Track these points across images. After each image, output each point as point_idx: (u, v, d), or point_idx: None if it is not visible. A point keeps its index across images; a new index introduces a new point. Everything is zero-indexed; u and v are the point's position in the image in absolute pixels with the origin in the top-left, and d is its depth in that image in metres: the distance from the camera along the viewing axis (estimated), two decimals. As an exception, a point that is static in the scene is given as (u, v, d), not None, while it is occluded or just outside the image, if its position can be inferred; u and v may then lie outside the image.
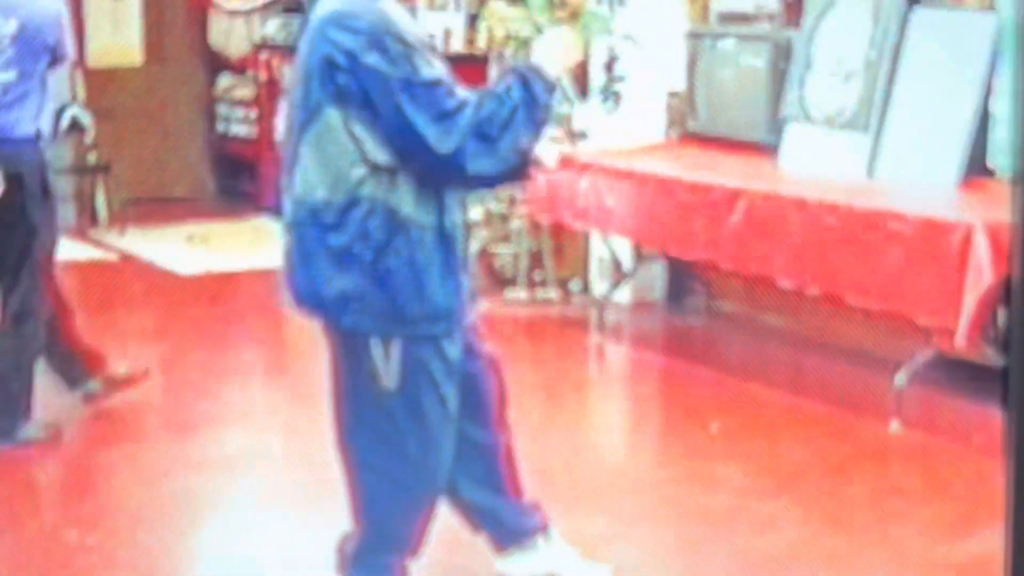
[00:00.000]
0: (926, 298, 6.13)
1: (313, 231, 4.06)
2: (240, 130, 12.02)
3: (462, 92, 4.00)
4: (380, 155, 3.98)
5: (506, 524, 4.64)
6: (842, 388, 6.85)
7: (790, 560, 5.05)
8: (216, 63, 12.31)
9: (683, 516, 5.50)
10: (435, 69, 4.00)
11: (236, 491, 5.85)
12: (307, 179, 4.05)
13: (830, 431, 6.36)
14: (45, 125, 6.25)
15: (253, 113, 11.81)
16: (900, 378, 6.45)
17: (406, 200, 4.02)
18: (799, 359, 7.36)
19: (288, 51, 11.18)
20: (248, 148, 11.85)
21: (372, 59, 3.92)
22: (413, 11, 4.27)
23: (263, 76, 11.52)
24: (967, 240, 5.93)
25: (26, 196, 6.10)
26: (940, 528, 5.29)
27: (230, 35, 12.06)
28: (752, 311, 7.88)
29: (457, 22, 10.11)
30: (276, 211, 10.86)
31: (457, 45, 10.08)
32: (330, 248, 4.04)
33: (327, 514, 5.43)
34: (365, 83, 3.93)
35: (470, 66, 9.77)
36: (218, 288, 9.52)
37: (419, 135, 3.92)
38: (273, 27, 11.56)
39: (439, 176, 4.04)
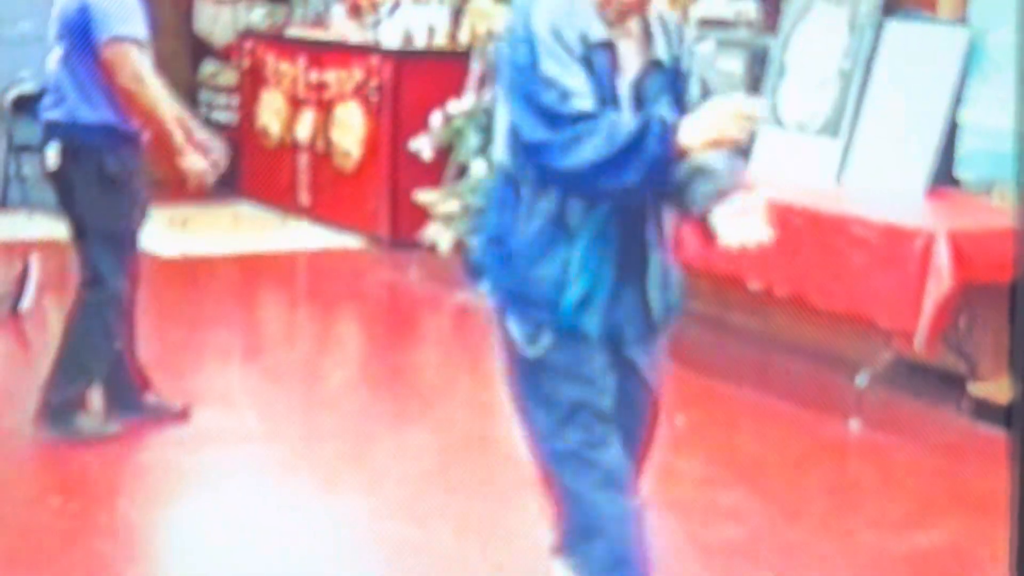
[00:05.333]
0: (887, 302, 6.29)
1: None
2: (222, 116, 12.10)
3: (582, 103, 3.75)
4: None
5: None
6: (805, 387, 7.00)
7: (748, 549, 5.21)
8: (200, 49, 12.40)
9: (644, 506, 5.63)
10: (563, 69, 3.76)
11: (210, 465, 5.98)
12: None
13: (791, 428, 6.52)
14: (112, 115, 6.10)
15: (235, 100, 11.92)
16: (861, 379, 6.61)
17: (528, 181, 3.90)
18: (764, 358, 7.49)
19: (272, 39, 11.32)
20: (230, 134, 11.93)
21: (516, 42, 3.83)
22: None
23: (247, 63, 11.62)
24: (928, 247, 6.09)
25: (79, 177, 6.10)
26: (892, 521, 5.45)
27: (216, 22, 12.16)
28: (720, 311, 8.01)
29: (441, 17, 10.22)
30: (254, 197, 10.99)
31: (440, 40, 10.19)
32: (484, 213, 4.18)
33: (300, 489, 5.62)
34: (506, 63, 3.91)
35: (452, 61, 9.91)
36: (196, 271, 9.64)
37: (519, 119, 3.83)
38: (258, 16, 11.66)
39: (536, 168, 3.84)
